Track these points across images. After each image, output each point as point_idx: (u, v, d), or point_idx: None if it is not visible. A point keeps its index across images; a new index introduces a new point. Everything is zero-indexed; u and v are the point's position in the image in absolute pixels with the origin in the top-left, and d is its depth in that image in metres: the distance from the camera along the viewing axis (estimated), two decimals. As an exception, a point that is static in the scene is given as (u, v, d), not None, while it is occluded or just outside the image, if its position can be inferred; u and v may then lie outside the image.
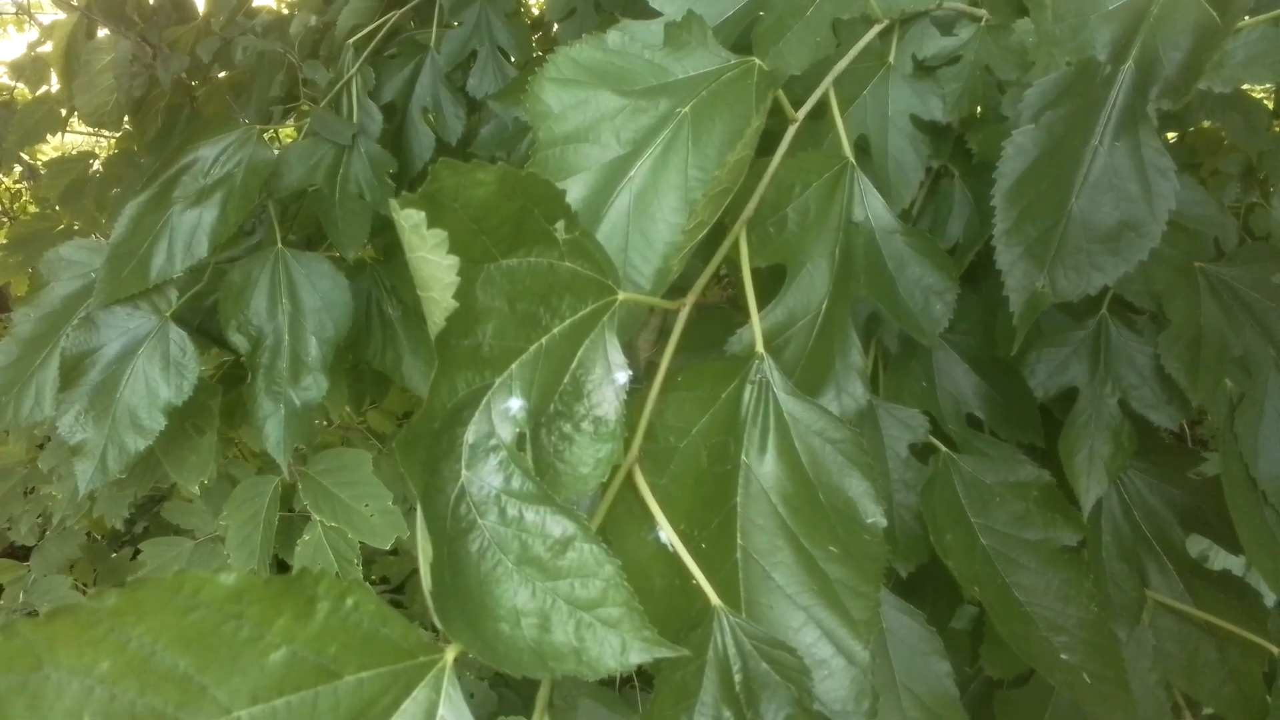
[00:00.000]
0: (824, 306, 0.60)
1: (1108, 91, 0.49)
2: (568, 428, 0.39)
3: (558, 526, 0.34)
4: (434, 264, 0.31)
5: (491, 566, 0.34)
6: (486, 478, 0.35)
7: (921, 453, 0.67)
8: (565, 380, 0.39)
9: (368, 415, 2.00)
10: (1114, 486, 0.73)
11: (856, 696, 0.42)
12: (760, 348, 0.52)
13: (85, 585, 2.12)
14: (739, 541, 0.47)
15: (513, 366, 0.37)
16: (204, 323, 1.24)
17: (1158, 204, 0.47)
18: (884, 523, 0.48)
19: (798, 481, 0.49)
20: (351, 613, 0.28)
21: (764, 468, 0.49)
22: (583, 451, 0.38)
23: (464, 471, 0.35)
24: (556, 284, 0.39)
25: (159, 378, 1.07)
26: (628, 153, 0.50)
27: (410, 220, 0.31)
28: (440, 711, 0.29)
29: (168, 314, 1.10)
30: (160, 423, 1.06)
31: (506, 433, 0.36)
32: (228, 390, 1.35)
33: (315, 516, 1.34)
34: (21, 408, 1.08)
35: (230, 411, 1.43)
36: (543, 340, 0.38)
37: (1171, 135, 1.16)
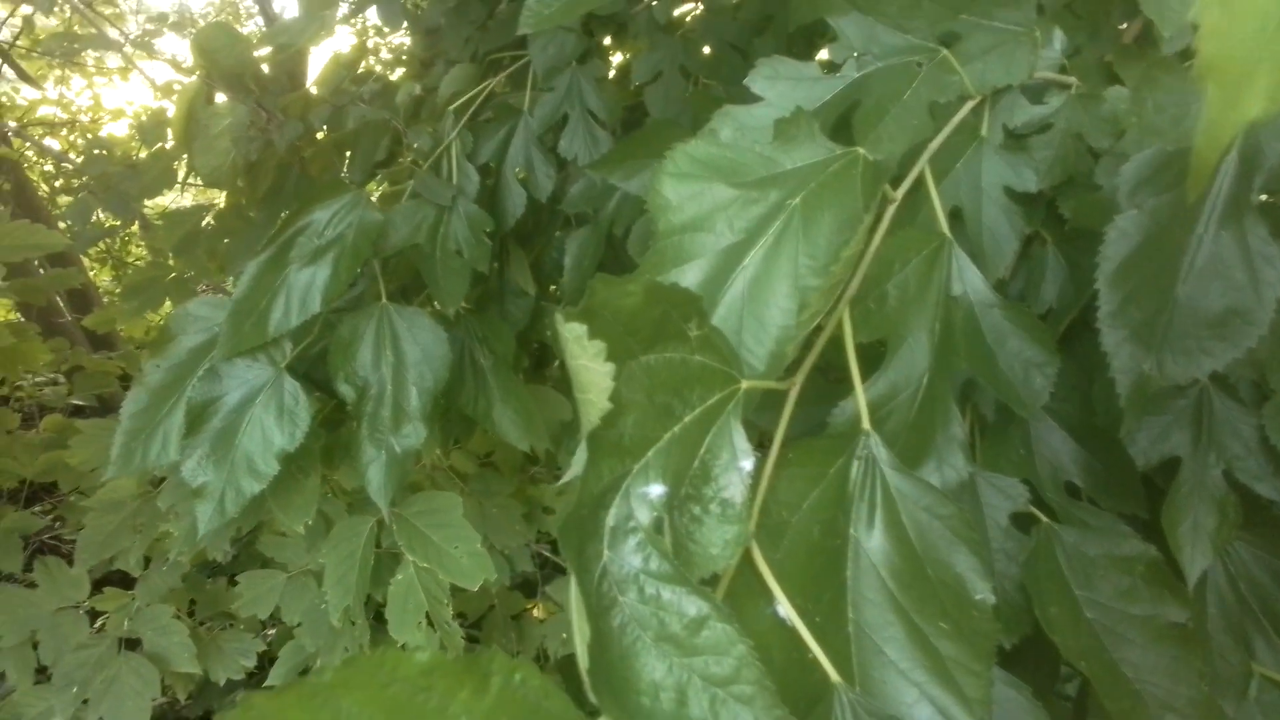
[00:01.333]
0: (925, 380, 0.62)
1: (1212, 181, 0.51)
2: (697, 510, 0.42)
3: (693, 606, 0.37)
4: (593, 371, 0.35)
5: (632, 641, 0.37)
6: (626, 558, 0.38)
7: (1022, 522, 0.67)
8: (695, 465, 0.42)
9: (452, 455, 2.07)
10: (1219, 558, 0.73)
11: (971, 774, 0.43)
12: (866, 424, 0.54)
13: (180, 612, 2.22)
14: (850, 615, 0.49)
15: (649, 454, 0.40)
16: (310, 370, 1.32)
17: (1265, 292, 0.48)
18: (992, 599, 0.50)
19: (906, 556, 0.51)
20: (519, 687, 0.31)
21: (872, 542, 0.51)
22: (711, 533, 0.41)
23: (606, 552, 0.38)
24: (689, 376, 0.42)
25: (274, 425, 1.15)
26: (741, 240, 0.53)
27: (573, 333, 0.35)
28: (597, 782, 0.32)
29: (283, 365, 1.17)
30: (274, 468, 1.13)
31: (644, 516, 0.39)
32: (327, 433, 1.42)
33: (408, 556, 1.40)
34: (150, 452, 1.16)
35: (329, 452, 1.50)
36: (675, 428, 0.41)
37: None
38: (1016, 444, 0.72)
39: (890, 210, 0.63)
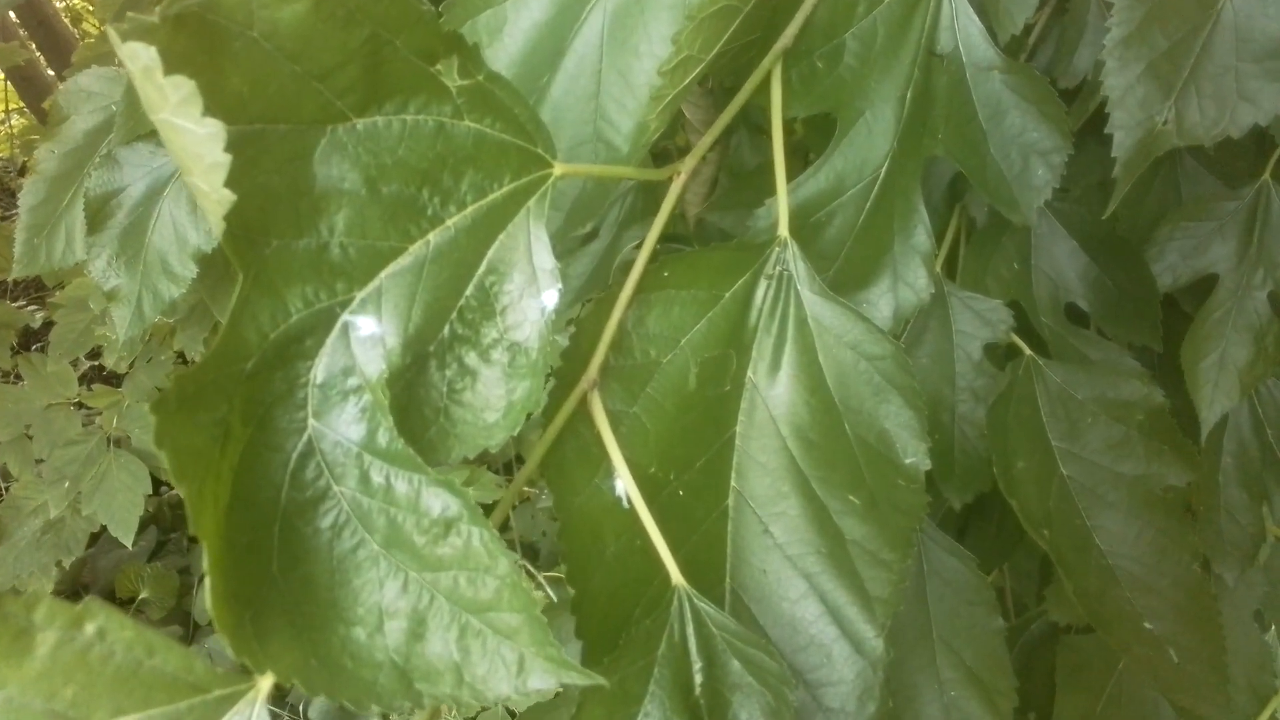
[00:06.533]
0: (884, 170, 0.46)
1: None
2: (471, 358, 0.29)
3: (436, 502, 0.25)
4: (187, 132, 0.20)
5: (351, 549, 0.26)
6: (344, 430, 0.26)
7: (1000, 356, 0.54)
8: (468, 292, 0.29)
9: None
10: (1247, 399, 0.59)
11: (860, 696, 0.33)
12: (784, 230, 0.40)
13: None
14: (733, 484, 0.37)
15: (382, 275, 0.27)
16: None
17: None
18: (926, 465, 0.38)
19: (818, 408, 0.38)
20: (95, 643, 0.21)
21: (775, 390, 0.38)
22: (490, 391, 0.29)
23: (311, 421, 0.26)
24: (450, 154, 0.27)
25: (187, 222, 1.02)
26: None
27: (139, 62, 0.20)
28: (244, 760, 0.22)
29: (191, 152, 1.02)
30: (191, 270, 1.01)
31: (373, 368, 0.27)
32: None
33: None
34: (54, 250, 1.05)
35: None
36: (430, 236, 0.28)
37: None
38: (1009, 256, 0.57)
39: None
